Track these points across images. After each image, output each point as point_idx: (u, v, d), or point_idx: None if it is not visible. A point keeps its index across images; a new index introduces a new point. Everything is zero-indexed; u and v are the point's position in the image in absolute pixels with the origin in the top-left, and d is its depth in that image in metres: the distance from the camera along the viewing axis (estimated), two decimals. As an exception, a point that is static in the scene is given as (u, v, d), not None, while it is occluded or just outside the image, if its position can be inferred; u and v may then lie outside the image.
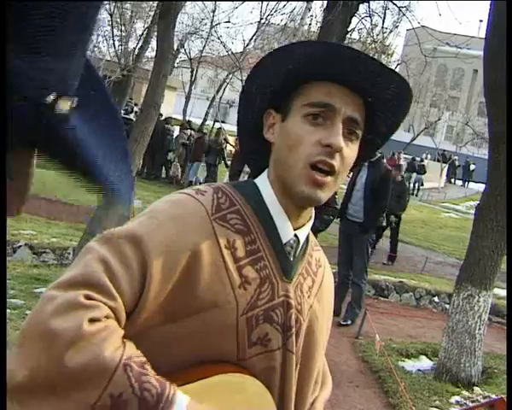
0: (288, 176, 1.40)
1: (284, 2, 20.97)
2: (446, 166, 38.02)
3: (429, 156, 42.33)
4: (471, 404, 1.54)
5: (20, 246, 8.61)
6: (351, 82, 1.38)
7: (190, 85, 36.20)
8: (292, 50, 1.43)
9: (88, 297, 1.20)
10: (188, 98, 35.73)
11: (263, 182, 1.48)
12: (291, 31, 23.12)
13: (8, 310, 6.20)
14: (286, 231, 1.45)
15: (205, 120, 33.21)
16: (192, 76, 35.99)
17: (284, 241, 1.45)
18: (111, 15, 30.47)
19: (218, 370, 1.33)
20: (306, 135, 1.37)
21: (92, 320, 1.18)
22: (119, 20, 30.79)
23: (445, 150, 40.36)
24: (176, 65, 37.03)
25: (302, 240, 1.48)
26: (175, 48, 33.84)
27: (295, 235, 1.46)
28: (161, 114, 19.91)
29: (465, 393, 5.96)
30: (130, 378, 1.16)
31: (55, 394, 1.15)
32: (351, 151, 1.40)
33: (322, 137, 1.36)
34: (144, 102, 7.84)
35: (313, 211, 1.51)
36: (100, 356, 1.15)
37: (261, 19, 29.78)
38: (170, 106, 33.68)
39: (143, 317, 1.29)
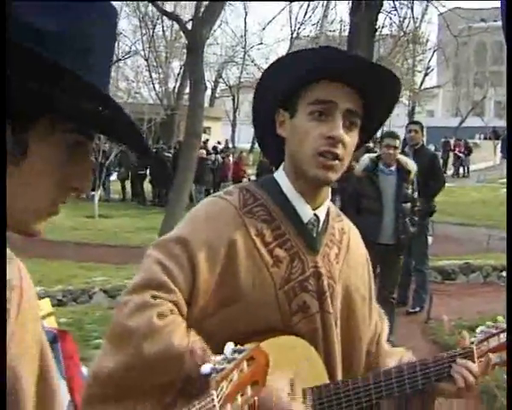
0: (300, 164, 1.66)
1: (310, 14, 21.25)
2: (499, 143, 37.24)
3: (482, 136, 41.58)
4: (495, 331, 1.73)
5: (95, 292, 9.10)
6: (346, 78, 1.62)
7: (234, 113, 36.62)
8: (297, 56, 1.71)
9: (154, 296, 1.52)
10: (233, 125, 36.13)
11: (280, 174, 1.75)
12: (323, 40, 23.29)
13: (93, 350, 6.57)
14: (305, 212, 1.71)
15: (253, 143, 33.45)
16: (234, 103, 36.46)
17: (305, 221, 1.71)
18: (146, 60, 31.18)
19: (268, 336, 1.58)
20: (312, 130, 1.63)
21: (160, 315, 1.49)
22: (155, 63, 31.49)
23: (495, 127, 39.50)
24: (217, 95, 37.56)
25: (322, 217, 1.74)
26: (213, 79, 34.40)
27: (315, 214, 1.72)
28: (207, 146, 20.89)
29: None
30: (195, 361, 1.45)
31: (136, 381, 1.45)
32: (351, 139, 1.65)
33: (325, 130, 1.61)
34: (185, 134, 8.24)
35: (329, 191, 1.76)
36: (171, 346, 1.46)
37: (292, 33, 30.10)
38: (217, 136, 34.12)
39: (199, 306, 1.58)
